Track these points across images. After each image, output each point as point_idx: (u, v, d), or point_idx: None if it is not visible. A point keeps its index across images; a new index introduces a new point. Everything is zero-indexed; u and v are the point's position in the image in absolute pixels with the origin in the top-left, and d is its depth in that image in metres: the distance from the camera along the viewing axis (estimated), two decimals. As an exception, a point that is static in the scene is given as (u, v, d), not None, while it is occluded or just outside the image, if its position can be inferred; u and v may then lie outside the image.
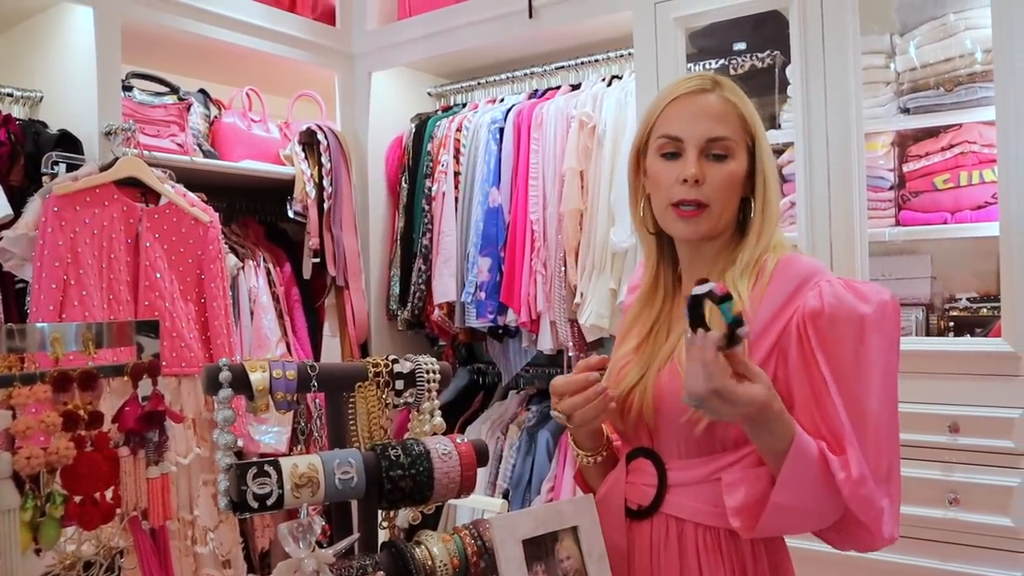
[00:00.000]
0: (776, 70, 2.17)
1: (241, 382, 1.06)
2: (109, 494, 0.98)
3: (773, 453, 0.98)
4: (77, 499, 0.96)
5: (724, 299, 0.90)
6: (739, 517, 1.00)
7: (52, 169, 2.00)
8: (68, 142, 2.07)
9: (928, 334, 2.09)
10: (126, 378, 1.02)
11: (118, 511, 0.98)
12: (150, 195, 2.10)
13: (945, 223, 2.01)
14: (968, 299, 2.07)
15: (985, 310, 2.00)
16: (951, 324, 2.04)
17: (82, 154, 2.07)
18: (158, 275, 2.04)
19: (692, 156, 1.07)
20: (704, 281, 0.93)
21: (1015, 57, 1.67)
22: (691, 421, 1.04)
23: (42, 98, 2.22)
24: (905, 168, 2.09)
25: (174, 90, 2.40)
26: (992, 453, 1.72)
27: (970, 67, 1.93)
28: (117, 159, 2.03)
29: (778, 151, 2.06)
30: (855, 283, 1.03)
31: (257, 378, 1.07)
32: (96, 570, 0.95)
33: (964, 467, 1.75)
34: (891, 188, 2.10)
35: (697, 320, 0.92)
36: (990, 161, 1.96)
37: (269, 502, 0.99)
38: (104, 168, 2.01)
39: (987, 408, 1.73)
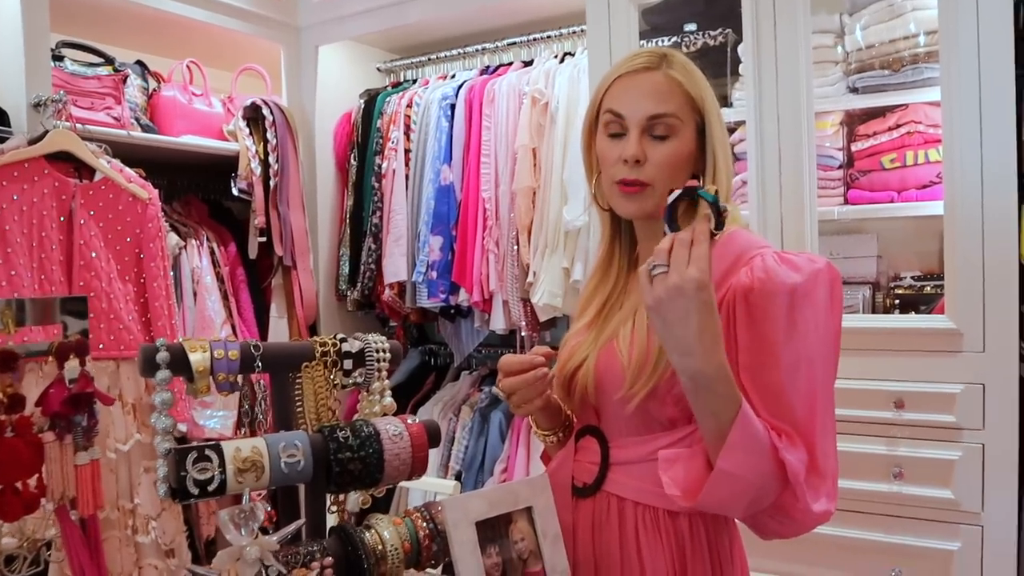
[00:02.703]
0: (728, 48, 2.17)
1: (180, 363, 1.01)
2: (33, 482, 0.92)
3: (714, 417, 0.92)
4: (-3, 488, 0.90)
5: (698, 189, 0.93)
6: (677, 487, 0.95)
7: (-24, 142, 1.89)
8: (-7, 114, 1.96)
9: (874, 311, 2.12)
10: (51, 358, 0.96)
11: (43, 500, 0.93)
12: (84, 170, 2.00)
13: (892, 202, 2.04)
14: (912, 277, 2.11)
15: (929, 288, 2.04)
16: (896, 302, 2.08)
17: (9, 127, 1.96)
18: (94, 254, 1.95)
19: (633, 136, 1.04)
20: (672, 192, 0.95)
21: (960, 38, 1.69)
22: (624, 398, 1.03)
23: (-36, 67, 2.09)
24: (853, 147, 2.11)
25: (109, 61, 2.29)
26: (935, 428, 1.75)
27: (914, 48, 1.96)
28: (47, 132, 1.92)
29: (730, 129, 2.05)
30: (789, 255, 0.99)
31: (197, 358, 1.02)
32: (19, 564, 0.89)
33: (908, 442, 1.79)
34: (840, 167, 2.12)
35: (675, 228, 0.94)
36: (935, 141, 1.99)
37: (211, 488, 0.95)
38: (33, 141, 1.90)
39: (931, 384, 1.76)
